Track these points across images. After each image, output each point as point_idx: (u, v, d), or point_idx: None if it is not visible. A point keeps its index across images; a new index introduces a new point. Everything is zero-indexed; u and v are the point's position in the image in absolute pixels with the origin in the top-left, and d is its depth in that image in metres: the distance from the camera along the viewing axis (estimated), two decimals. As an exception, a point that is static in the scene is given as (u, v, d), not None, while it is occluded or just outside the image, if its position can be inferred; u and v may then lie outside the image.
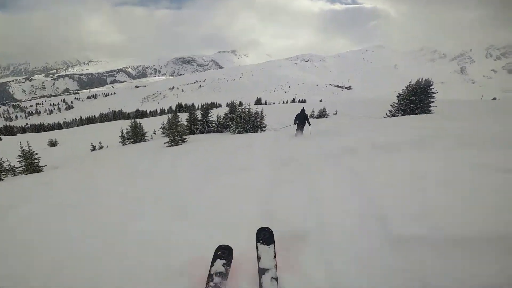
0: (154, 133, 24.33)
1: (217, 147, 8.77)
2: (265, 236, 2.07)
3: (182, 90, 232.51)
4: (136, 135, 19.00)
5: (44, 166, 12.62)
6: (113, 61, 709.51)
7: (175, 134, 13.98)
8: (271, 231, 2.10)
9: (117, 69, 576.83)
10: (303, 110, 10.47)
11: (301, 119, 10.24)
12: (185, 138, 14.95)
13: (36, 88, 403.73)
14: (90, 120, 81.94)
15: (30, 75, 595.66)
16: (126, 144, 18.81)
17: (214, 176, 4.30)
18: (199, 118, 20.46)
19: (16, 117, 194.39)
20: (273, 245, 2.01)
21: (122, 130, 19.62)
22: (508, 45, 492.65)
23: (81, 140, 27.33)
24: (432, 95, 20.78)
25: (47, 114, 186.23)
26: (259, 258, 1.93)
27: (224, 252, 1.96)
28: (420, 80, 20.96)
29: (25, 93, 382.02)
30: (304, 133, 10.32)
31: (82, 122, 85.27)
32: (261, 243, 2.02)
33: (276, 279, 1.76)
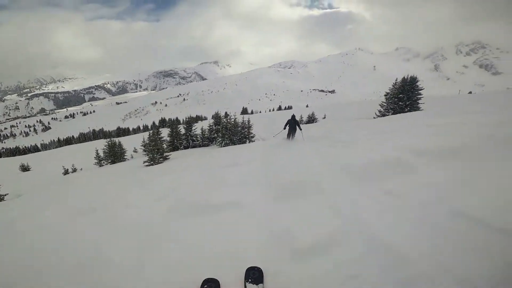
0: (135, 151, 22.78)
1: (200, 164, 7.60)
2: (254, 275, 1.99)
3: (166, 105, 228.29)
4: (113, 155, 17.45)
5: (5, 195, 11.14)
6: (90, 77, 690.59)
7: (155, 152, 12.67)
8: (261, 270, 2.00)
9: (95, 85, 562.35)
10: (293, 116, 10.74)
11: (292, 125, 10.54)
12: (167, 155, 13.66)
13: (10, 109, 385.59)
14: (68, 141, 78.17)
15: (2, 95, 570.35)
16: (102, 165, 17.22)
17: (176, 224, 2.71)
18: (183, 132, 19.14)
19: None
20: (261, 284, 1.94)
21: (97, 150, 18.03)
22: (475, 41, 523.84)
23: (56, 163, 25.24)
24: (419, 91, 20.61)
25: (23, 136, 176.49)
26: None
27: (210, 286, 1.94)
28: (406, 77, 20.77)
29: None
30: (297, 138, 10.28)
31: (60, 143, 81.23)
32: (250, 282, 1.95)
33: None
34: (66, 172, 16.22)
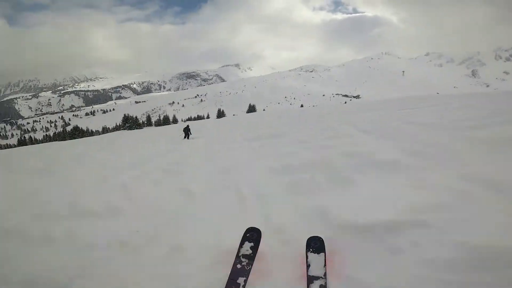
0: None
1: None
2: (315, 244, 2.05)
3: (183, 105, 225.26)
4: None
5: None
6: (119, 77, 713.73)
7: None
8: (322, 239, 2.08)
9: (122, 85, 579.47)
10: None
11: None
12: None
13: (42, 105, 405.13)
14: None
15: (39, 91, 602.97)
16: None
17: None
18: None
19: (12, 135, 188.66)
20: (323, 253, 1.99)
21: None
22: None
23: None
24: None
25: (43, 131, 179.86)
26: (308, 266, 1.93)
27: (252, 235, 2.02)
28: None
29: (31, 110, 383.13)
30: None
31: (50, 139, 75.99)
32: (311, 252, 2.01)
33: (325, 287, 1.81)
34: None
